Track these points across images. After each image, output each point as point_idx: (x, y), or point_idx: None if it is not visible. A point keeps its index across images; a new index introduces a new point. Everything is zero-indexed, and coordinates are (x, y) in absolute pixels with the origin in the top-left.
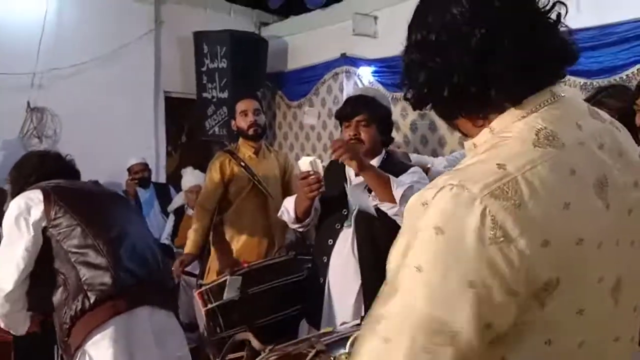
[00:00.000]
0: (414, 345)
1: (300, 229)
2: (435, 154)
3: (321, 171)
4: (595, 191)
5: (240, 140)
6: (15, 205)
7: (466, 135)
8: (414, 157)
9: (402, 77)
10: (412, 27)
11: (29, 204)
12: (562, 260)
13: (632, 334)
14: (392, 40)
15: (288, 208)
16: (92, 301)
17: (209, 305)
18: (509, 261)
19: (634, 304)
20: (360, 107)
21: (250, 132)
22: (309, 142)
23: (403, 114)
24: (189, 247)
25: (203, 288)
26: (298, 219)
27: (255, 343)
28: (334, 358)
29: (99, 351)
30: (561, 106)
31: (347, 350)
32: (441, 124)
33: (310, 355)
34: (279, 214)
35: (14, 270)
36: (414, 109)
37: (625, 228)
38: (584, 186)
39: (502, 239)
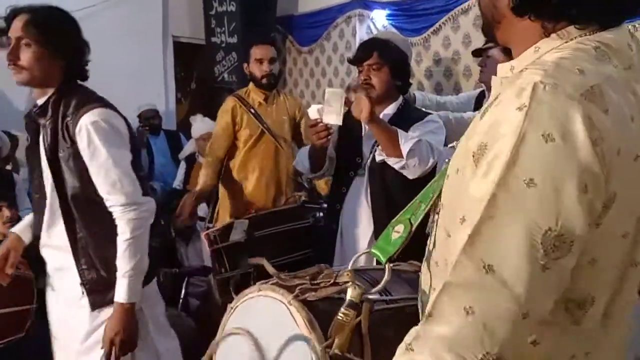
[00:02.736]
0: (532, 268)
1: (316, 179)
2: (458, 87)
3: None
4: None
5: (251, 85)
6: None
7: (497, 44)
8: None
9: None
10: None
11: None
12: (623, 174)
13: None
14: None
15: (302, 158)
16: None
17: (215, 246)
18: (603, 166)
19: None
20: (371, 49)
21: (264, 81)
22: (320, 89)
23: (417, 60)
24: (200, 185)
25: (210, 230)
26: (313, 168)
27: (270, 268)
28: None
29: None
30: (613, 30)
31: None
32: (457, 69)
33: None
34: (294, 163)
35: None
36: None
37: None
38: (637, 104)
39: (600, 141)
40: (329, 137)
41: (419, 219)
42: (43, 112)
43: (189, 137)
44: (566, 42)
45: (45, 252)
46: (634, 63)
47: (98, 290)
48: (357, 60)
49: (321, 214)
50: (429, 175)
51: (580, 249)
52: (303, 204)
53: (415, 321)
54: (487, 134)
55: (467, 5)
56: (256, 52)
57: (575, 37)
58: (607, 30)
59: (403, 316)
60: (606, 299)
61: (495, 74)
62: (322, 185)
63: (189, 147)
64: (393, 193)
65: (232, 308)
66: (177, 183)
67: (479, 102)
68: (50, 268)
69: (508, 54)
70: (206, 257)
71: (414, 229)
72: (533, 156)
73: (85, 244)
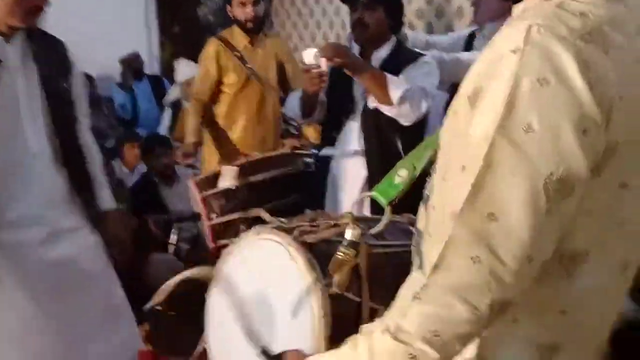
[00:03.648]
0: (535, 212)
1: (307, 124)
2: (450, 28)
3: (323, 65)
4: None
5: (235, 27)
6: None
7: None
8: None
9: None
10: None
11: None
12: (626, 122)
13: None
14: None
15: (293, 103)
16: None
17: (205, 193)
18: (601, 109)
19: None
20: None
21: (249, 25)
22: (308, 30)
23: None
24: (189, 136)
25: (199, 177)
26: (304, 114)
27: (267, 216)
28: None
29: None
30: None
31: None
32: (449, 10)
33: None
34: (283, 108)
35: None
36: None
37: None
38: None
39: (597, 84)
40: (324, 83)
41: (423, 165)
42: None
43: (173, 82)
44: None
45: None
46: None
47: None
48: None
49: (311, 159)
50: (423, 118)
51: (581, 193)
52: (293, 150)
53: (410, 264)
54: (482, 77)
55: None
56: None
57: None
58: None
59: (399, 260)
60: (606, 255)
61: (488, 14)
62: (311, 132)
63: (173, 93)
64: (387, 138)
65: (228, 253)
66: (163, 130)
67: (469, 43)
68: None
69: None
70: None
71: (417, 173)
72: (529, 101)
73: None
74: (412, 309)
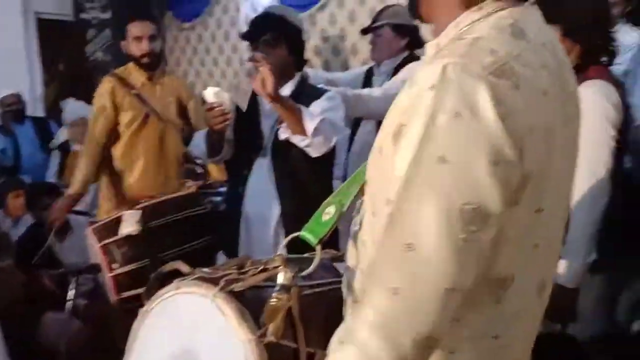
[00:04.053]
0: (451, 242)
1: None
2: (346, 64)
3: (227, 102)
4: (559, 87)
5: (131, 64)
6: None
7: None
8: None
9: None
10: None
11: None
12: (538, 151)
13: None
14: None
15: (199, 142)
16: None
17: (105, 241)
18: (514, 142)
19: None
20: (266, 25)
21: (144, 61)
22: (205, 67)
23: (305, 37)
24: (75, 186)
25: (97, 224)
26: (210, 153)
27: (185, 268)
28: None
29: None
30: (527, 9)
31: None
32: (344, 47)
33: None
34: (190, 147)
35: None
36: None
37: (564, 134)
38: (552, 79)
39: (509, 117)
40: (227, 121)
41: (350, 200)
42: None
43: (60, 123)
44: (485, 17)
45: None
46: (547, 40)
47: None
48: (252, 36)
49: (218, 198)
50: (331, 152)
51: (498, 223)
52: (198, 189)
53: (341, 302)
54: (403, 113)
55: None
56: (133, 29)
57: (492, 12)
58: (520, 7)
59: (330, 298)
60: (527, 277)
61: (386, 52)
62: (217, 170)
63: (61, 135)
64: (298, 172)
65: (145, 311)
66: (51, 176)
67: (367, 78)
68: None
69: (398, 32)
70: (90, 253)
71: (345, 210)
72: (444, 133)
73: None
74: (336, 354)
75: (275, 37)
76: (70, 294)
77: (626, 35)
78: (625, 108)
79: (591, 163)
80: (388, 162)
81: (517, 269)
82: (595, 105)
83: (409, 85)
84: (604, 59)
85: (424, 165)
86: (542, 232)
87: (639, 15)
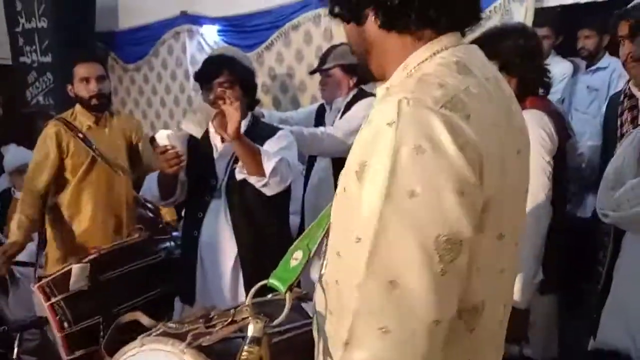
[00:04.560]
0: (432, 274)
1: (167, 206)
2: (295, 101)
3: (179, 144)
4: (506, 119)
5: (78, 107)
6: None
7: (371, 78)
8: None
9: None
10: None
11: None
12: (493, 177)
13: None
14: None
15: (151, 185)
16: None
17: (53, 299)
18: (474, 169)
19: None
20: (221, 67)
21: (93, 102)
22: (152, 108)
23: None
24: (14, 235)
25: (44, 280)
26: (163, 196)
27: (146, 320)
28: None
29: None
30: (468, 47)
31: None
32: (292, 84)
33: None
34: (141, 192)
35: None
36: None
37: (515, 164)
38: (499, 111)
39: (466, 147)
40: (181, 163)
41: (317, 244)
42: None
43: (0, 171)
44: (431, 57)
45: None
46: (491, 75)
47: None
48: (206, 77)
49: (172, 243)
50: (287, 189)
51: (470, 249)
52: (150, 235)
53: (311, 346)
54: (365, 151)
55: (297, 22)
56: (81, 70)
57: (437, 52)
58: (462, 46)
59: (300, 344)
60: (495, 303)
61: (336, 91)
62: (169, 213)
63: (1, 183)
64: (254, 211)
65: None
66: None
67: (319, 116)
68: None
69: (347, 71)
70: (36, 306)
71: (312, 254)
72: (409, 168)
73: None
74: None
75: (230, 79)
76: (15, 352)
77: (558, 66)
78: (567, 135)
79: (531, 187)
80: (353, 201)
81: (487, 295)
82: (530, 133)
83: (367, 124)
84: (541, 90)
85: (395, 201)
86: (505, 257)
87: (568, 47)
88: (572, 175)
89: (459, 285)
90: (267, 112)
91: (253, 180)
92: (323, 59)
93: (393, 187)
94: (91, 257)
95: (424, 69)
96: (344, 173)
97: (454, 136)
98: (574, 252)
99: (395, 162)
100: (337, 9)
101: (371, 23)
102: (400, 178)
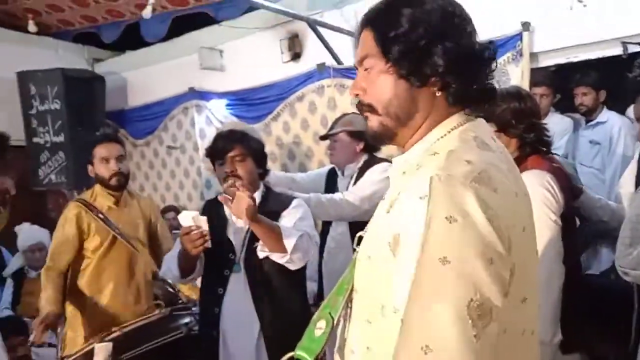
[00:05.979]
0: (466, 339)
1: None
2: (303, 168)
3: (204, 225)
4: (519, 187)
5: (97, 187)
6: None
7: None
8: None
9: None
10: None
11: None
12: (518, 245)
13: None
14: (240, 73)
15: (170, 266)
16: None
17: None
18: (502, 239)
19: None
20: (233, 141)
21: (113, 181)
22: (162, 181)
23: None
24: (49, 305)
25: None
26: (184, 274)
27: None
28: None
29: None
30: (479, 122)
31: None
32: (299, 152)
33: None
34: (161, 273)
35: None
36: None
37: (531, 228)
38: (516, 181)
39: (495, 218)
40: (206, 243)
41: (339, 312)
42: None
43: (13, 250)
44: (448, 133)
45: None
46: (501, 147)
47: None
48: (219, 153)
49: (192, 319)
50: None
51: (501, 316)
52: (171, 312)
53: None
54: (398, 224)
55: (302, 93)
56: (100, 150)
57: (453, 129)
58: (474, 121)
59: None
60: None
61: (344, 155)
62: (188, 289)
63: (15, 262)
64: (275, 286)
65: None
66: (6, 305)
67: (331, 180)
68: None
69: (353, 137)
70: None
71: (336, 321)
72: (442, 237)
73: None
74: None
75: (242, 152)
76: None
77: (559, 123)
78: (579, 190)
79: (539, 247)
80: (381, 270)
81: (512, 358)
82: (532, 193)
83: (399, 200)
84: (543, 148)
85: (428, 268)
86: (526, 319)
87: (567, 104)
88: (597, 230)
89: (491, 351)
90: (276, 173)
91: (276, 257)
92: (332, 126)
93: (426, 255)
94: (113, 335)
95: (446, 145)
96: (369, 241)
97: (484, 208)
98: (593, 310)
99: (428, 231)
100: (400, 59)
101: (430, 90)
102: (433, 246)
